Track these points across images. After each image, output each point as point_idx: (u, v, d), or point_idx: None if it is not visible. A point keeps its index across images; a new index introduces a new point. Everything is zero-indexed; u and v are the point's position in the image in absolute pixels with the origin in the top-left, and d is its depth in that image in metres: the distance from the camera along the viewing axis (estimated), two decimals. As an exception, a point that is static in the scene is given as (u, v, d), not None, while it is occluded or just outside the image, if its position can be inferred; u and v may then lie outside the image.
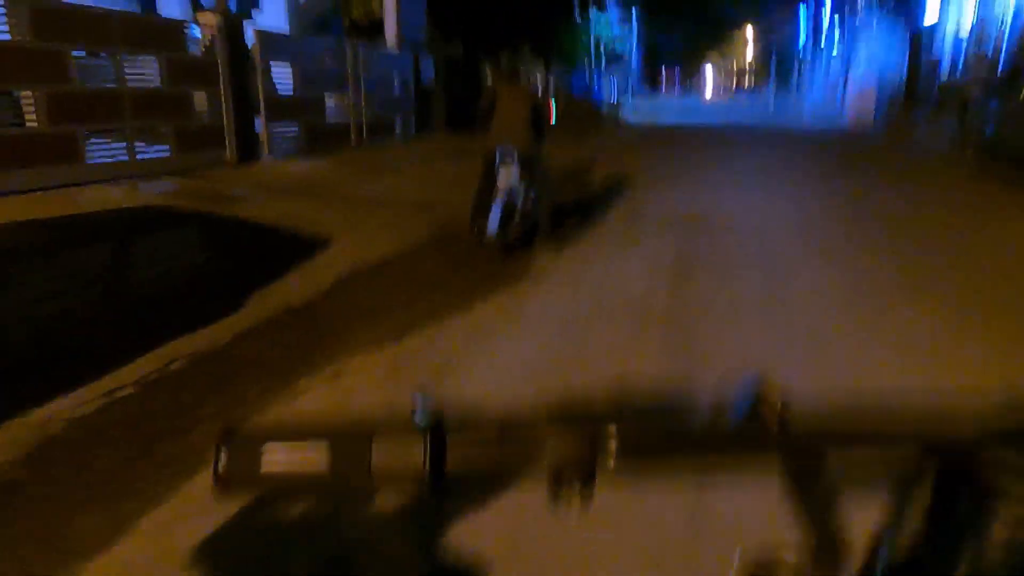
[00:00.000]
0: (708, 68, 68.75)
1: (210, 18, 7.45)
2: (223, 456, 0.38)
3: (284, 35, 10.07)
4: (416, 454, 0.36)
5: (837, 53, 36.26)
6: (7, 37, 5.52)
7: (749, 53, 60.36)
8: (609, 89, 36.71)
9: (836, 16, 36.67)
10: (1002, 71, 12.96)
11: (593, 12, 31.63)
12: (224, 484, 0.38)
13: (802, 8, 42.75)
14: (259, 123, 8.23)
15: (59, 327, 3.44)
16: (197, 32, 7.34)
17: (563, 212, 6.52)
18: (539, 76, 33.15)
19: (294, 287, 4.30)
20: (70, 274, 4.11)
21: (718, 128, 21.23)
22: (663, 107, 37.19)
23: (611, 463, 0.36)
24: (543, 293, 4.22)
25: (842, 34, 34.81)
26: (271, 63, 8.52)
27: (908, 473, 0.38)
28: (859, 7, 30.83)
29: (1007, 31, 17.97)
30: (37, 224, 4.82)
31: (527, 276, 4.59)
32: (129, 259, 4.58)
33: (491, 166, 5.21)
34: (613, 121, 23.91)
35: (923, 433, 0.37)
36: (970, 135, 10.39)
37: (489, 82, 14.27)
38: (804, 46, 45.64)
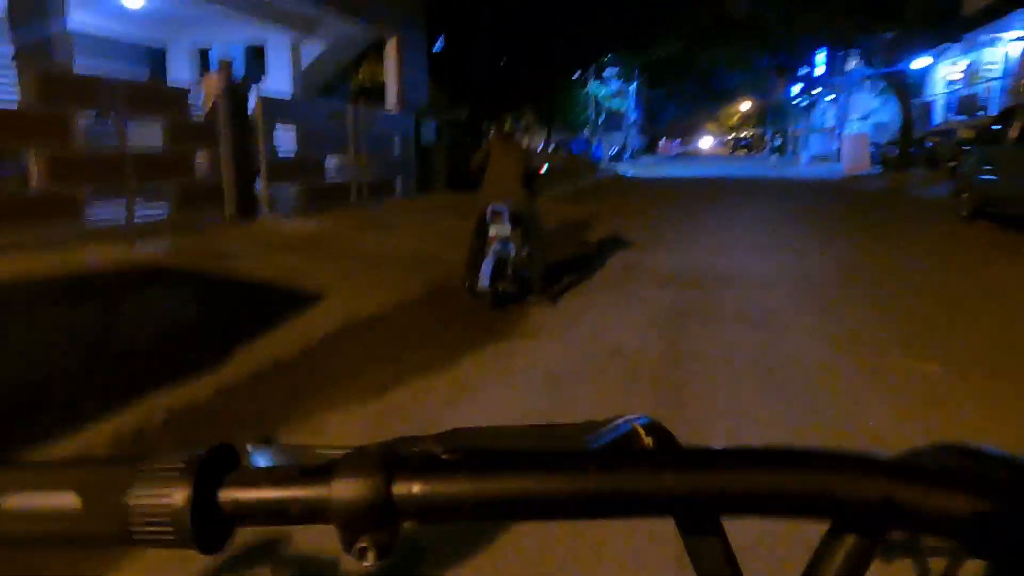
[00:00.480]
0: (706, 125, 70.36)
1: (214, 83, 7.68)
2: None
3: (286, 99, 10.35)
4: (179, 504, 0.30)
5: (832, 103, 37.06)
6: (15, 101, 5.69)
7: (746, 106, 61.80)
8: (609, 147, 37.47)
9: (828, 68, 37.61)
10: (993, 115, 13.17)
11: (593, 74, 32.58)
12: None
13: (797, 69, 43.91)
14: (260, 182, 8.36)
15: (38, 382, 3.39)
16: (200, 96, 7.55)
17: (558, 267, 6.53)
18: (535, 134, 34.02)
19: (283, 342, 4.25)
20: (55, 330, 4.08)
21: (716, 181, 21.51)
22: (662, 163, 37.86)
23: (410, 513, 0.30)
24: (532, 349, 4.16)
25: (835, 85, 35.62)
26: (275, 125, 8.73)
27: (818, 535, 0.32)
28: (850, 59, 31.68)
29: (997, 75, 18.40)
30: (29, 281, 4.83)
31: (517, 331, 4.54)
32: (117, 316, 4.56)
33: (483, 221, 5.24)
34: (612, 176, 24.31)
35: (829, 489, 0.30)
36: (964, 181, 10.46)
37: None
38: (799, 99, 46.67)
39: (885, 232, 9.66)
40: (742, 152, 67.53)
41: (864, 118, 30.91)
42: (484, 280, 5.00)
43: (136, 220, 6.94)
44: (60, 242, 5.90)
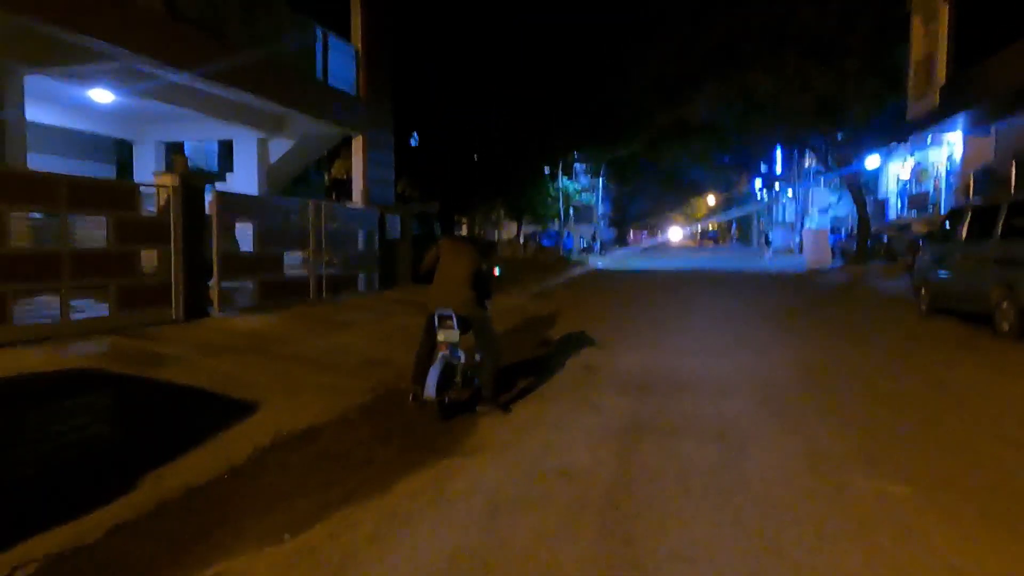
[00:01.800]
0: (673, 218, 72.52)
1: (167, 179, 7.56)
2: None
3: (244, 194, 10.27)
4: None
5: (791, 198, 38.50)
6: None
7: (711, 200, 63.99)
8: (578, 239, 38.13)
9: (785, 165, 39.36)
10: (943, 213, 13.61)
11: (562, 169, 33.59)
12: None
13: (758, 164, 45.98)
14: (212, 279, 8.11)
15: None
16: (151, 192, 7.40)
17: (516, 369, 6.27)
18: (504, 227, 34.54)
19: (199, 464, 3.88)
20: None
21: (682, 274, 21.75)
22: (631, 255, 38.51)
23: None
24: (475, 468, 3.84)
25: (793, 181, 37.13)
26: (233, 221, 8.58)
27: None
28: (806, 156, 33.17)
29: (944, 172, 19.24)
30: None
31: (461, 447, 4.22)
32: (20, 432, 4.15)
33: (431, 326, 5.02)
34: (581, 268, 24.52)
35: None
36: (920, 277, 10.61)
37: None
38: (760, 193, 48.55)
39: (846, 329, 9.65)
40: (709, 244, 69.42)
41: (823, 211, 32.10)
42: (431, 389, 4.71)
43: (77, 318, 6.60)
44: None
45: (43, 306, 6.58)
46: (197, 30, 9.36)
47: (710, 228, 75.95)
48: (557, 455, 4.08)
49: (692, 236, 76.09)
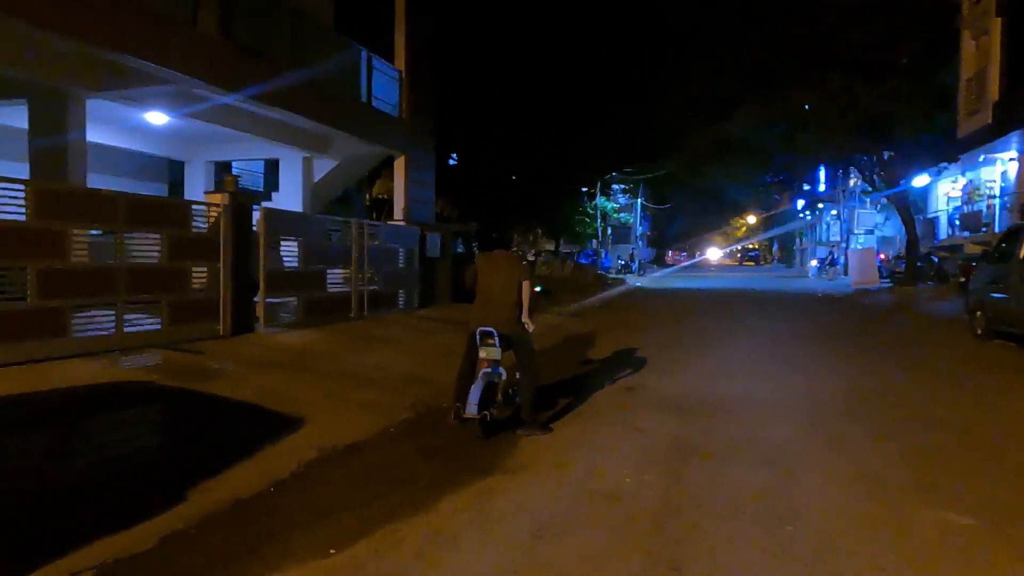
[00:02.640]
0: (712, 237, 71.59)
1: (218, 197, 7.78)
2: None
3: (292, 212, 10.51)
4: None
5: (835, 217, 37.62)
6: (21, 218, 5.71)
7: (751, 219, 63.03)
8: (615, 259, 37.94)
9: (829, 184, 38.48)
10: (1000, 233, 13.10)
11: (600, 189, 33.57)
12: None
13: (800, 183, 45.13)
14: (259, 296, 8.28)
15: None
16: (202, 210, 7.62)
17: (556, 388, 6.23)
18: (543, 246, 34.53)
19: (247, 477, 3.93)
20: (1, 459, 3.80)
21: (723, 294, 21.41)
22: (670, 274, 38.10)
23: None
24: (518, 488, 3.81)
25: (838, 200, 36.29)
26: (279, 238, 8.78)
27: None
28: (851, 175, 32.42)
29: (998, 191, 18.56)
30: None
31: (504, 466, 4.20)
32: (75, 443, 4.28)
33: (473, 344, 5.03)
34: (620, 288, 24.34)
35: None
36: (975, 298, 10.22)
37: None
38: (803, 212, 47.55)
39: (898, 352, 9.33)
40: (750, 264, 68.29)
41: (869, 232, 31.29)
42: (472, 406, 4.70)
43: (131, 331, 6.79)
44: (42, 358, 5.73)
45: (99, 319, 6.80)
46: (248, 54, 9.68)
47: (750, 248, 74.73)
48: (601, 477, 4.03)
49: (732, 256, 75.03)
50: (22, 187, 5.81)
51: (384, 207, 21.80)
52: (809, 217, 47.53)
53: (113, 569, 2.84)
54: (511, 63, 23.69)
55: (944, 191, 24.63)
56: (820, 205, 43.19)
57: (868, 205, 31.60)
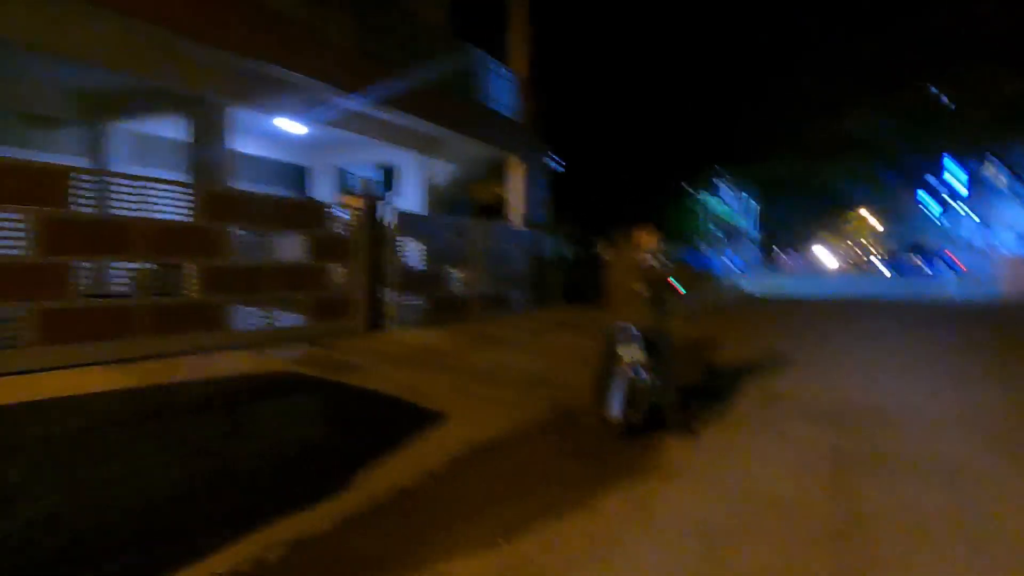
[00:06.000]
0: (827, 238, 67.56)
1: (355, 200, 8.14)
2: None
3: (418, 214, 10.84)
4: None
5: (967, 216, 34.53)
6: (187, 220, 6.22)
7: (871, 219, 58.93)
8: (726, 263, 36.65)
9: (970, 181, 35.26)
10: None
11: (707, 188, 32.58)
12: None
13: (926, 180, 41.79)
14: (387, 294, 8.59)
15: (153, 502, 3.33)
16: (339, 212, 8.00)
17: (689, 395, 6.04)
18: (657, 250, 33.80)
19: (403, 467, 4.06)
20: (179, 442, 4.11)
21: (846, 300, 20.12)
22: (781, 277, 36.32)
23: None
24: (677, 492, 3.70)
25: (972, 196, 33.27)
26: (404, 239, 9.08)
27: None
28: (987, 168, 29.64)
29: None
30: (160, 389, 5.00)
31: (657, 470, 4.10)
32: (242, 428, 4.58)
33: (611, 342, 4.96)
34: (730, 291, 23.46)
35: None
36: None
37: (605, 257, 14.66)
38: (930, 211, 43.96)
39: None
40: (867, 266, 63.96)
41: (1013, 230, 28.51)
42: (615, 408, 4.64)
43: (277, 326, 7.23)
44: (202, 349, 6.20)
45: (249, 314, 7.27)
46: (372, 58, 10.09)
47: (871, 250, 69.93)
48: (760, 484, 3.85)
49: (849, 258, 70.55)
50: (190, 191, 6.31)
51: (492, 213, 22.19)
52: (937, 216, 43.94)
53: (297, 548, 2.99)
54: (619, 61, 23.44)
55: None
56: (950, 203, 39.85)
57: (1008, 197, 28.74)
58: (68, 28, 7.15)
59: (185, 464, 3.81)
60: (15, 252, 4.93)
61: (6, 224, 4.91)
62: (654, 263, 5.16)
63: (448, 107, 12.10)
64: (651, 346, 4.94)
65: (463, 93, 12.68)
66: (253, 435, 4.54)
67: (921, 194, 44.02)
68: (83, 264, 5.49)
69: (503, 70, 14.07)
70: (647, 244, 5.24)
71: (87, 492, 3.34)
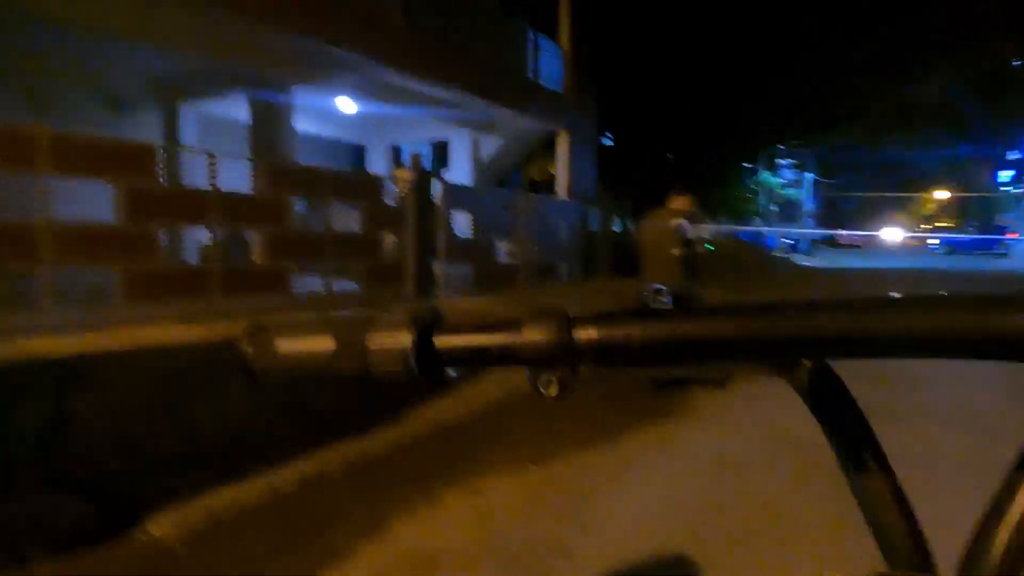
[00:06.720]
0: (894, 214, 64.84)
1: (406, 174, 8.56)
2: (249, 348, 0.43)
3: (465, 187, 11.22)
4: (406, 345, 0.39)
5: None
6: (253, 192, 6.78)
7: (941, 195, 56.21)
8: (781, 237, 35.80)
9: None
10: None
11: (765, 163, 31.82)
12: (250, 373, 0.44)
13: (1003, 153, 39.62)
14: (436, 263, 9.03)
15: (242, 428, 3.82)
16: (391, 185, 8.44)
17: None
18: (693, 216, 33.34)
19: (448, 408, 4.45)
20: (256, 388, 4.61)
21: (910, 273, 19.54)
22: (843, 255, 35.28)
23: (587, 355, 0.37)
24: (700, 431, 3.98)
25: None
26: (453, 211, 9.48)
27: None
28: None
29: None
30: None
31: (684, 414, 4.37)
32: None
33: (642, 301, 5.19)
34: (787, 267, 23.06)
35: None
36: None
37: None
38: (1009, 187, 41.73)
39: None
40: (938, 244, 61.16)
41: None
42: (646, 361, 4.90)
43: (336, 291, 7.77)
44: (272, 309, 6.76)
45: (310, 279, 7.82)
46: (425, 36, 10.45)
47: (939, 226, 66.76)
48: (780, 426, 4.06)
49: (916, 237, 67.56)
50: (257, 165, 6.84)
51: (541, 189, 22.39)
52: (1017, 192, 41.64)
53: (355, 464, 3.42)
54: (672, 31, 23.12)
55: None
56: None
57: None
58: (153, 15, 7.75)
59: (264, 401, 4.31)
60: (109, 221, 5.54)
61: (102, 195, 5.51)
62: (687, 228, 5.36)
63: (498, 83, 12.38)
64: (681, 302, 5.16)
65: (513, 69, 12.92)
66: (316, 379, 5.02)
67: (1003, 168, 41.79)
68: (165, 231, 6.09)
69: (551, 45, 14.22)
70: (681, 209, 5.44)
71: (192, 419, 3.86)
